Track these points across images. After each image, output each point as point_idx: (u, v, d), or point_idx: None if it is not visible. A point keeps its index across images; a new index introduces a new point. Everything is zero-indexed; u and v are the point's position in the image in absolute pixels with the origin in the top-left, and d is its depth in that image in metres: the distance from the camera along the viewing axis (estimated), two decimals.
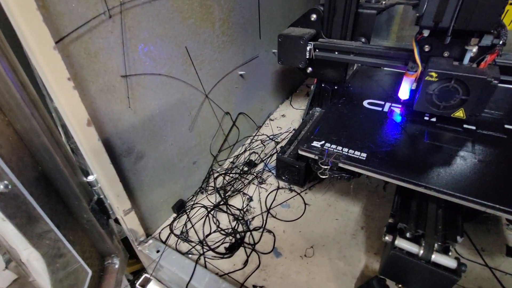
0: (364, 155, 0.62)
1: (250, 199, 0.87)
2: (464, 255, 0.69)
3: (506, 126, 0.69)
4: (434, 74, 0.62)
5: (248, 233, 0.76)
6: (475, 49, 0.61)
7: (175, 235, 0.76)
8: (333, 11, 0.84)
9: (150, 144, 0.69)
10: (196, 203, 0.85)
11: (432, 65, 0.63)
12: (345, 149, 0.64)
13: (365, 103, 0.84)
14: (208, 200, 0.87)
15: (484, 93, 0.59)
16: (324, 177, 0.65)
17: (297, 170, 0.86)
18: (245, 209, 0.83)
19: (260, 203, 0.85)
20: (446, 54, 0.66)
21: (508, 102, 0.78)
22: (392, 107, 0.80)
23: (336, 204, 0.84)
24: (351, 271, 0.67)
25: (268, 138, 1.12)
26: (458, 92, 0.61)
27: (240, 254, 0.72)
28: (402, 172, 0.57)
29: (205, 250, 0.72)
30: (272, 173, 0.95)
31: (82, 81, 0.51)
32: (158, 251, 0.70)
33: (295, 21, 0.90)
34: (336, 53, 0.84)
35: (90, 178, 0.57)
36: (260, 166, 0.99)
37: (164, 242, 0.75)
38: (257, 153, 1.04)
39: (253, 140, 1.11)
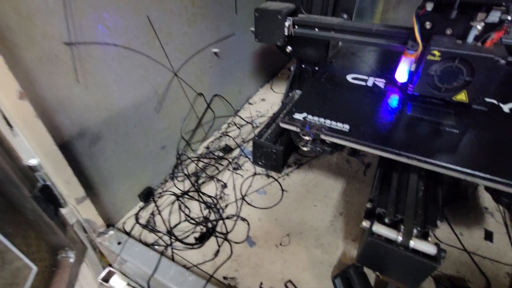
0: (347, 126, 0.58)
1: (225, 186, 0.81)
2: (443, 239, 0.67)
3: (487, 99, 0.67)
4: (437, 53, 0.56)
5: (221, 222, 0.71)
6: (480, 26, 0.56)
7: (141, 225, 0.71)
8: None
9: (108, 125, 0.62)
10: (166, 191, 0.79)
11: (435, 43, 0.57)
12: (328, 121, 0.60)
13: (348, 77, 0.80)
14: (177, 188, 0.81)
15: (491, 73, 0.54)
16: (305, 149, 0.60)
17: (275, 155, 0.82)
18: (218, 197, 0.78)
19: (235, 190, 0.80)
20: (448, 31, 0.59)
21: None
22: (376, 82, 0.76)
23: (314, 190, 0.80)
24: (328, 259, 0.64)
25: (246, 122, 1.06)
26: (462, 72, 0.56)
27: (212, 244, 0.67)
28: (384, 142, 0.54)
29: (172, 240, 0.67)
30: (249, 158, 0.89)
31: (12, 47, 0.43)
32: (119, 243, 0.64)
33: None
34: (316, 29, 0.78)
35: (32, 161, 0.49)
36: (236, 152, 0.93)
37: (128, 233, 0.69)
38: (234, 138, 0.99)
39: (230, 124, 1.05)
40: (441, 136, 0.57)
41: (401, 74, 0.66)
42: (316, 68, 0.97)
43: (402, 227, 0.48)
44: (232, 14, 0.93)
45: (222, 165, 0.88)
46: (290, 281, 0.60)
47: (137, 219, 0.72)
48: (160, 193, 0.79)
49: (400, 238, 0.47)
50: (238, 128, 1.03)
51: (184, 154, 0.88)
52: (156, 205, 0.75)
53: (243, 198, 0.77)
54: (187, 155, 0.90)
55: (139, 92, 0.67)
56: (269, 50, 1.22)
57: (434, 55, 0.56)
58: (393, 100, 0.68)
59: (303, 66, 0.99)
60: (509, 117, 0.62)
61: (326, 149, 0.63)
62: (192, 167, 0.87)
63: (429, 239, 0.51)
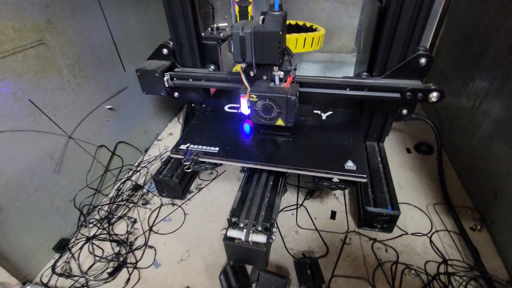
0: (217, 149, 0.80)
1: (134, 221, 0.95)
2: (303, 225, 0.91)
3: (315, 111, 0.95)
4: (254, 96, 0.80)
5: (130, 254, 0.85)
6: (280, 73, 0.81)
7: (57, 274, 0.81)
8: (180, 45, 0.97)
9: (7, 197, 0.72)
10: (80, 238, 0.90)
11: (253, 89, 0.81)
12: (204, 147, 0.81)
13: (226, 107, 1.02)
14: (89, 233, 0.92)
15: (289, 106, 0.79)
16: (189, 170, 0.80)
17: (173, 187, 0.99)
18: (129, 232, 0.91)
19: (143, 223, 0.94)
20: (264, 77, 0.85)
21: (316, 97, 1.05)
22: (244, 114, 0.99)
23: (211, 208, 0.99)
24: (218, 262, 0.82)
25: (154, 159, 1.21)
26: (273, 107, 0.80)
27: (124, 274, 0.81)
28: (239, 156, 0.77)
29: (89, 278, 0.78)
30: (154, 193, 1.05)
31: None
32: None
33: (151, 54, 1.00)
34: (190, 80, 0.98)
35: None
36: (146, 187, 1.07)
37: (46, 285, 0.78)
38: (144, 175, 1.13)
39: (140, 164, 1.19)
40: (279, 145, 0.82)
41: (244, 108, 0.89)
42: (203, 106, 1.17)
43: (245, 227, 0.69)
44: (120, 72, 1.07)
45: (133, 202, 1.02)
46: (188, 287, 0.77)
47: (53, 269, 0.82)
48: (74, 241, 0.89)
49: (243, 236, 0.68)
50: (146, 167, 1.17)
51: (90, 205, 0.99)
52: (70, 253, 0.86)
53: (150, 229, 0.92)
54: (93, 203, 1.00)
55: (33, 162, 0.77)
56: None
57: (253, 97, 0.80)
58: (249, 123, 0.92)
59: (192, 104, 1.18)
60: (324, 122, 0.90)
61: (207, 166, 0.84)
62: (105, 209, 0.99)
63: (274, 229, 0.73)
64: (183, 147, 0.83)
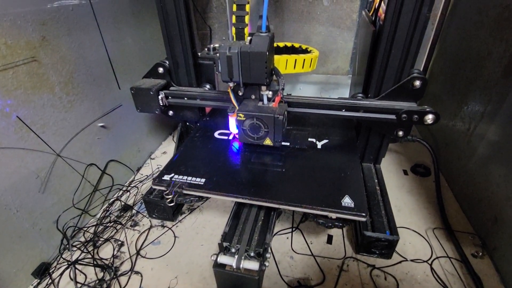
0: (203, 180, 0.75)
1: (121, 244, 0.90)
2: (298, 250, 0.87)
3: (310, 139, 0.92)
4: (241, 115, 0.79)
5: (115, 280, 0.80)
6: (268, 93, 0.81)
7: None
8: (176, 64, 0.97)
9: None
10: (62, 262, 0.85)
11: (240, 107, 0.80)
12: (189, 178, 0.77)
13: (216, 134, 0.99)
14: (71, 257, 0.87)
15: (276, 126, 0.78)
16: (171, 204, 0.75)
17: (163, 208, 0.95)
18: (115, 257, 0.86)
19: (130, 247, 0.89)
20: (253, 96, 0.84)
21: (311, 123, 1.03)
22: (235, 135, 0.97)
23: (203, 231, 0.95)
24: None
25: (145, 178, 1.17)
26: (261, 126, 0.79)
27: None
28: (227, 189, 0.72)
29: None
30: (144, 215, 1.00)
31: None
32: None
33: (147, 73, 1.00)
34: (185, 98, 0.97)
35: None
36: (136, 207, 1.03)
37: None
38: (134, 195, 1.09)
39: (131, 183, 1.15)
40: (269, 177, 0.77)
41: (232, 127, 0.88)
42: (198, 124, 1.16)
43: (237, 253, 0.66)
44: (115, 90, 1.07)
45: (121, 224, 0.97)
46: None
47: None
48: (56, 265, 0.84)
49: (235, 263, 0.64)
50: (136, 187, 1.14)
51: (75, 226, 0.95)
52: (51, 278, 0.80)
53: (137, 253, 0.87)
54: (80, 224, 0.96)
55: (17, 181, 0.74)
56: None
57: (240, 116, 0.79)
58: (243, 150, 0.89)
59: (187, 123, 1.17)
60: (319, 151, 0.87)
61: (193, 199, 0.79)
62: (91, 231, 0.94)
63: (267, 255, 0.69)
64: (166, 177, 0.77)
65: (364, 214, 0.65)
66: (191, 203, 0.81)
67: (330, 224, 0.72)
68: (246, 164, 0.82)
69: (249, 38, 0.73)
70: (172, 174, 0.79)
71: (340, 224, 0.71)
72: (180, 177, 0.78)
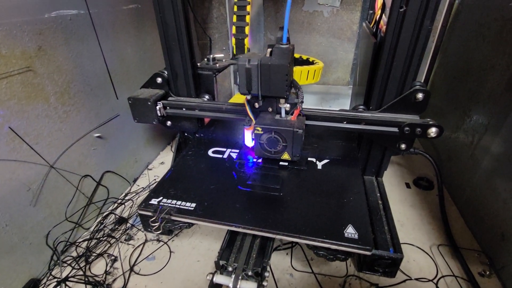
0: (193, 205, 0.71)
1: (115, 259, 0.87)
2: (298, 267, 0.84)
3: (309, 159, 0.90)
4: (259, 128, 0.76)
5: None
6: (286, 106, 0.78)
7: None
8: (175, 74, 0.96)
9: None
10: (53, 278, 0.81)
11: (258, 121, 0.77)
12: (178, 202, 0.72)
13: (209, 152, 0.96)
14: (61, 274, 0.83)
15: (295, 140, 0.76)
16: (158, 232, 0.71)
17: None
18: (107, 273, 0.83)
19: (123, 263, 0.86)
20: (270, 109, 0.82)
21: (311, 141, 1.00)
22: (231, 153, 0.94)
23: (200, 246, 0.92)
24: None
25: (142, 190, 1.15)
26: (279, 140, 0.77)
27: None
28: (219, 216, 0.68)
29: None
30: (138, 228, 0.97)
31: None
32: None
33: (145, 83, 0.99)
34: (184, 109, 0.96)
35: None
36: (131, 220, 1.00)
37: None
38: (130, 207, 1.06)
39: (127, 194, 1.13)
40: (266, 204, 0.71)
41: (248, 141, 0.85)
42: (197, 135, 1.14)
43: (234, 273, 0.62)
44: (112, 100, 1.05)
45: (115, 238, 0.94)
46: None
47: None
48: (46, 282, 0.81)
49: (231, 283, 0.61)
50: (131, 200, 1.11)
51: (67, 241, 0.92)
52: None
53: (131, 269, 0.84)
54: (73, 238, 0.93)
55: (7, 194, 0.71)
56: None
57: (258, 130, 0.76)
58: (239, 171, 0.84)
59: (185, 134, 1.15)
60: (320, 172, 0.84)
61: (180, 226, 0.74)
62: (84, 245, 0.91)
63: (266, 274, 0.66)
64: (154, 201, 0.72)
65: (369, 248, 0.60)
66: (180, 229, 0.76)
67: (331, 257, 0.67)
68: (240, 187, 0.77)
69: (269, 49, 0.71)
70: (161, 198, 0.74)
71: (343, 257, 0.66)
72: (169, 201, 0.73)
